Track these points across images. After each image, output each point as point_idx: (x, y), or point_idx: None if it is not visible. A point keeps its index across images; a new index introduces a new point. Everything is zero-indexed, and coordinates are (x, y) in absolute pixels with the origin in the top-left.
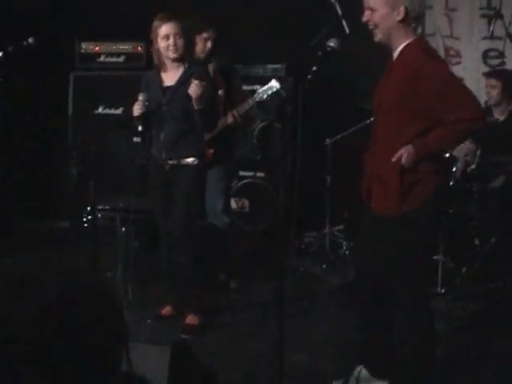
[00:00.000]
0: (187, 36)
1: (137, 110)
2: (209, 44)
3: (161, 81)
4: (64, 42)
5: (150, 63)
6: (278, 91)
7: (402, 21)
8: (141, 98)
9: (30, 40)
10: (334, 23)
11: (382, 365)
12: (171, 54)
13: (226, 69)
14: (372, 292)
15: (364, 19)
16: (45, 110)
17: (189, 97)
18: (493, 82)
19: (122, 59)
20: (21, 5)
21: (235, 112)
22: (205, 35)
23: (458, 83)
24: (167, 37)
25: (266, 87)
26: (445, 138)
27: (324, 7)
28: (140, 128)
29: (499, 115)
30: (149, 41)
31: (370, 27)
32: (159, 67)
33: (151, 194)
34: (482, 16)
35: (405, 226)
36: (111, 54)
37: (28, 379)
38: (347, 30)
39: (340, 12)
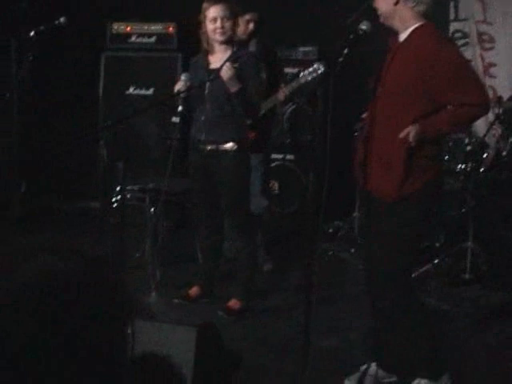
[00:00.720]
0: (234, 18)
1: (177, 87)
2: (251, 26)
3: (208, 63)
4: (95, 22)
5: (181, 44)
6: (322, 74)
7: (396, 3)
8: (183, 77)
9: (62, 19)
10: (366, 6)
11: (391, 359)
12: (218, 37)
13: (268, 51)
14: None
15: (374, 3)
16: (76, 90)
17: (236, 78)
18: None
19: (153, 40)
20: None
21: (286, 89)
22: (247, 17)
23: (466, 68)
24: (215, 19)
25: (310, 69)
26: (447, 120)
27: None
28: (180, 108)
29: None
30: (182, 22)
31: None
32: (207, 50)
33: (191, 175)
34: None
35: (401, 208)
36: (142, 35)
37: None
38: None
39: None
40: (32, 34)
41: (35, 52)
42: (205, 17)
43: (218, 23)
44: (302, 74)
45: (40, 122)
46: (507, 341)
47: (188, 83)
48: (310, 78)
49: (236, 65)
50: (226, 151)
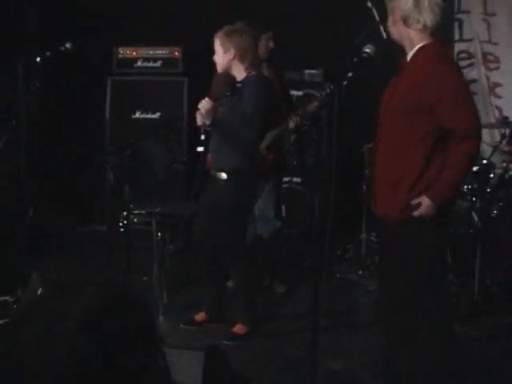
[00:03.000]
0: (227, 49)
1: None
2: (271, 44)
3: (231, 89)
4: (102, 47)
5: (187, 68)
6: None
7: (395, 24)
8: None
9: (68, 45)
10: (372, 27)
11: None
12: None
13: (280, 74)
14: (390, 307)
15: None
16: (82, 114)
17: (237, 106)
18: None
19: (159, 64)
20: (60, 10)
21: (297, 117)
22: (267, 36)
23: (463, 93)
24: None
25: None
26: (451, 175)
27: (361, 12)
28: (202, 137)
29: None
30: (187, 46)
31: None
32: None
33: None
34: None
35: (411, 232)
36: (148, 59)
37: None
38: (384, 35)
39: (377, 17)
40: (38, 59)
41: (42, 78)
42: None
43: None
44: (317, 96)
45: (47, 147)
46: None
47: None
48: (322, 102)
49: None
50: (220, 179)
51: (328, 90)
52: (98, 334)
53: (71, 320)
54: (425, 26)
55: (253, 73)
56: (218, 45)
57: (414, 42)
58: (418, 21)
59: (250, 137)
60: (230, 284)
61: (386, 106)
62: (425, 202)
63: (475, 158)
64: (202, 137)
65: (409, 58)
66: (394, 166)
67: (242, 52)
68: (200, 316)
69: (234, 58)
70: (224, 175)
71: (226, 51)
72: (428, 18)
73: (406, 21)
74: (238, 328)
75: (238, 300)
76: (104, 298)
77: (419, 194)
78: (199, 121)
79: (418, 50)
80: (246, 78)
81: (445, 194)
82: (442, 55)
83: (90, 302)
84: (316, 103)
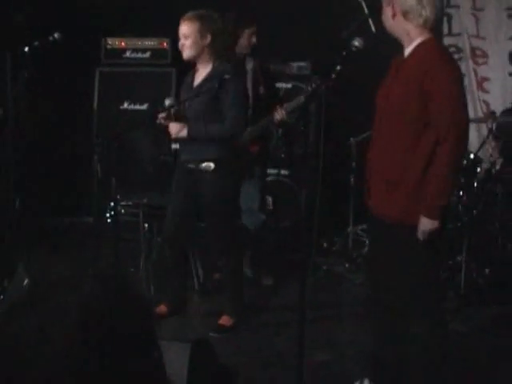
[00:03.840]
0: (203, 35)
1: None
2: (253, 39)
3: (193, 80)
4: (90, 37)
5: (175, 59)
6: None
7: (394, 16)
8: (167, 102)
9: (56, 35)
10: (361, 20)
11: (390, 379)
12: (184, 55)
13: (266, 67)
14: (383, 304)
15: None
16: (70, 105)
17: (211, 94)
18: None
19: (147, 55)
20: (47, 0)
21: (283, 109)
22: (249, 30)
23: (455, 91)
24: (180, 38)
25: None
26: (439, 188)
27: (350, 5)
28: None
29: None
30: (176, 37)
31: None
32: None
33: (172, 192)
34: (509, 16)
35: (409, 235)
36: (137, 50)
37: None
38: (373, 29)
39: (366, 10)
40: (26, 49)
41: (30, 68)
42: None
43: (181, 41)
44: (304, 90)
45: (34, 138)
46: (503, 353)
47: (175, 107)
48: (309, 95)
49: (215, 84)
50: (204, 171)
51: (314, 84)
52: (97, 333)
53: (70, 318)
54: (426, 21)
55: (222, 63)
56: (192, 29)
57: (412, 37)
58: (420, 15)
59: (235, 126)
60: (217, 276)
61: (384, 103)
62: (423, 222)
63: (461, 158)
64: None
65: (407, 54)
66: (394, 164)
67: (218, 39)
68: (161, 309)
69: (208, 45)
70: (211, 165)
71: (202, 37)
72: (430, 13)
73: (406, 15)
74: (225, 320)
75: (225, 292)
76: (104, 296)
77: (419, 199)
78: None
79: (417, 46)
80: (217, 67)
81: (437, 205)
82: (442, 51)
83: (89, 299)
84: (302, 96)
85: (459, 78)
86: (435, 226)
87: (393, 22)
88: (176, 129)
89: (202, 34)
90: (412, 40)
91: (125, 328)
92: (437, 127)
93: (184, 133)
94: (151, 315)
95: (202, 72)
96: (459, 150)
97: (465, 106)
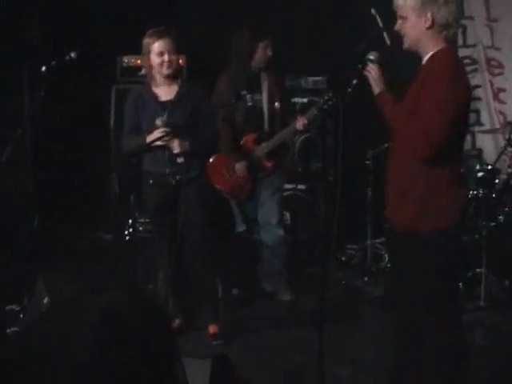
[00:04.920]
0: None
1: (158, 135)
2: (269, 52)
3: (155, 96)
4: (106, 55)
5: (191, 75)
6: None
7: (430, 28)
8: (158, 122)
9: (73, 54)
10: (376, 34)
11: None
12: (165, 70)
13: (281, 82)
14: (402, 316)
15: (396, 27)
16: (87, 123)
17: (192, 108)
18: None
19: None
20: (63, 19)
21: (304, 119)
22: (265, 43)
23: (448, 102)
24: (161, 53)
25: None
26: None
27: (365, 19)
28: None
29: None
30: (192, 53)
31: (401, 35)
32: (149, 83)
33: (152, 210)
34: None
35: (423, 247)
36: None
37: None
38: (388, 42)
39: (381, 24)
40: (43, 68)
41: (47, 87)
42: (149, 51)
43: (166, 57)
44: (319, 101)
45: (52, 156)
46: None
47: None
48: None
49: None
50: (193, 180)
51: (326, 97)
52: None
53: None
54: (453, 34)
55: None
56: (173, 45)
57: (432, 46)
58: (451, 27)
59: (213, 138)
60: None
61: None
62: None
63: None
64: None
65: (423, 63)
66: (405, 173)
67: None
68: (176, 324)
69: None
70: (197, 174)
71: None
72: (456, 26)
73: (440, 27)
74: (213, 328)
75: (207, 302)
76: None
77: (427, 207)
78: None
79: (433, 55)
80: (185, 82)
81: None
82: (450, 61)
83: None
84: (314, 108)
85: (458, 89)
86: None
87: (425, 32)
88: (180, 145)
89: (177, 49)
90: (429, 50)
91: (151, 345)
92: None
93: (186, 146)
94: (173, 331)
95: (168, 88)
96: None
97: (446, 118)
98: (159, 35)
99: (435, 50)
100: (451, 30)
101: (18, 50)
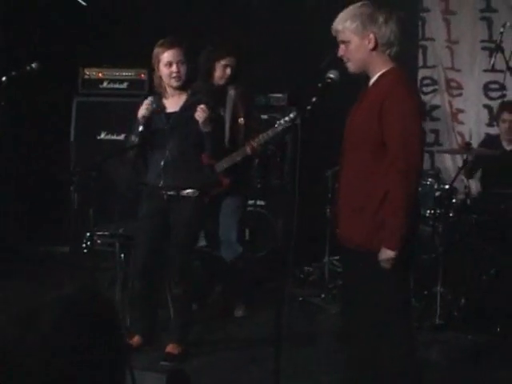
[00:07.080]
0: (190, 62)
1: (142, 112)
2: (228, 71)
3: (163, 107)
4: (67, 67)
5: (153, 90)
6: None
7: (374, 48)
8: (147, 101)
9: (34, 65)
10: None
11: None
12: (174, 82)
13: (247, 97)
14: (355, 333)
15: (340, 53)
16: (47, 135)
17: (194, 122)
18: (505, 115)
19: (124, 85)
20: (25, 30)
21: (254, 143)
22: (224, 62)
23: (412, 121)
24: (170, 64)
25: (287, 118)
26: (396, 217)
27: (326, 37)
28: (141, 128)
29: (507, 145)
30: (151, 67)
31: (345, 60)
32: (161, 94)
33: (142, 221)
34: (483, 48)
35: (372, 261)
36: (114, 81)
37: None
38: None
39: None
40: (4, 79)
41: (6, 98)
42: (158, 61)
43: (174, 68)
44: (278, 122)
45: (11, 167)
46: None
47: (154, 105)
48: (286, 127)
49: (210, 105)
50: (188, 197)
51: (289, 115)
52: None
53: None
54: (396, 53)
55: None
56: (185, 55)
57: (379, 67)
58: (393, 46)
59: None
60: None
61: (349, 131)
62: (382, 251)
63: (416, 189)
64: (140, 128)
65: (371, 83)
66: (357, 191)
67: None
68: (135, 340)
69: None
70: (193, 192)
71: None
72: (399, 44)
73: (383, 47)
74: (173, 348)
75: (174, 320)
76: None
77: (379, 226)
78: (141, 113)
79: (381, 76)
80: (192, 95)
81: (395, 236)
82: (403, 80)
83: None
84: (276, 127)
85: (417, 104)
86: (393, 255)
87: (370, 54)
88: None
89: (187, 60)
90: (377, 71)
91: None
92: (389, 148)
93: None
94: (123, 341)
95: (177, 99)
96: (411, 177)
97: (417, 133)
98: (169, 45)
99: (384, 70)
100: (394, 48)
101: None
